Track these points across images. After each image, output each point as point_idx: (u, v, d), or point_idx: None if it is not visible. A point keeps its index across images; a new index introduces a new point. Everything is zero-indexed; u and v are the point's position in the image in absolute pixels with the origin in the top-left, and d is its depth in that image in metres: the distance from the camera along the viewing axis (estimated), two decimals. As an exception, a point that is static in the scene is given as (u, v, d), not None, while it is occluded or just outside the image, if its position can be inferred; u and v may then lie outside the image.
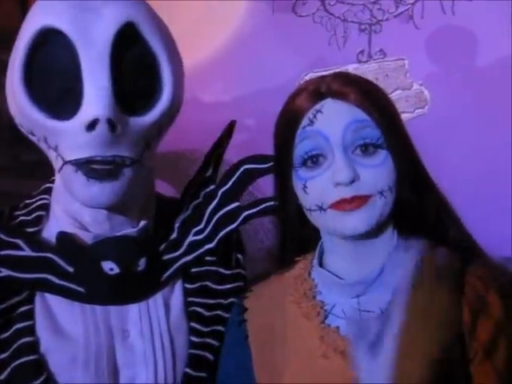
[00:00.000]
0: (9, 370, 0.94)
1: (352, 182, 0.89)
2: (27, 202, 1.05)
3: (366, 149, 0.91)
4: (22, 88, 0.91)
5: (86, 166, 0.90)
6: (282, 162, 0.98)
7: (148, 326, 1.00)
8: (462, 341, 0.89)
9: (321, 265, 1.00)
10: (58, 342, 0.96)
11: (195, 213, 1.09)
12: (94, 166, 0.90)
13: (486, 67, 1.75)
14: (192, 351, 1.02)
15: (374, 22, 1.86)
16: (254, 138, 1.95)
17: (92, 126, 0.86)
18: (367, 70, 1.78)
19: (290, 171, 0.96)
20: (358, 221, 0.90)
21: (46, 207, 1.03)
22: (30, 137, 0.97)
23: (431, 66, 1.80)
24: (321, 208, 0.92)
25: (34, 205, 1.04)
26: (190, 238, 1.06)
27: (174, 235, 1.06)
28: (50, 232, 1.00)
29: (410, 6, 1.83)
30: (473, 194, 1.74)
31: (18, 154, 2.97)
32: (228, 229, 1.07)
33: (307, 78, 1.92)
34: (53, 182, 1.04)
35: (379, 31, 1.86)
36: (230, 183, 1.09)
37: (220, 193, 1.09)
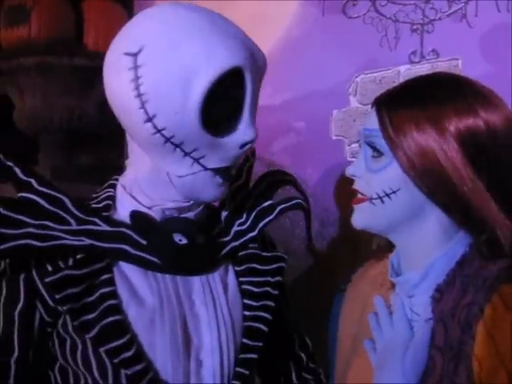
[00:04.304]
0: (97, 328, 1.03)
1: (356, 176, 1.02)
2: (95, 195, 1.17)
3: (375, 152, 0.99)
4: (198, 112, 0.99)
5: (224, 172, 1.07)
6: None
7: (210, 298, 1.12)
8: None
9: None
10: (137, 308, 1.06)
11: (235, 209, 1.23)
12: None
13: (543, 66, 1.70)
14: (247, 323, 1.14)
15: (426, 22, 1.83)
16: (304, 140, 1.95)
17: (245, 144, 1.04)
18: (420, 71, 1.75)
19: None
20: (356, 217, 1.02)
21: (112, 198, 1.15)
22: (167, 145, 1.03)
23: (485, 65, 1.76)
24: None
25: (102, 196, 1.16)
26: (235, 228, 1.21)
27: (222, 224, 1.21)
28: (119, 217, 1.13)
29: (463, 4, 1.79)
30: None
31: (72, 157, 3.05)
32: (267, 219, 1.22)
33: (358, 80, 1.90)
34: (115, 179, 1.18)
35: (432, 31, 1.83)
36: (261, 189, 1.27)
37: (254, 195, 1.25)
